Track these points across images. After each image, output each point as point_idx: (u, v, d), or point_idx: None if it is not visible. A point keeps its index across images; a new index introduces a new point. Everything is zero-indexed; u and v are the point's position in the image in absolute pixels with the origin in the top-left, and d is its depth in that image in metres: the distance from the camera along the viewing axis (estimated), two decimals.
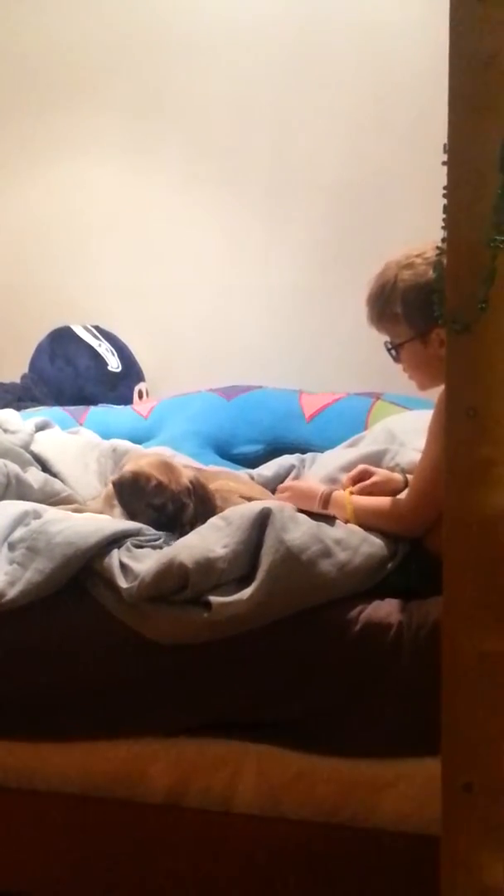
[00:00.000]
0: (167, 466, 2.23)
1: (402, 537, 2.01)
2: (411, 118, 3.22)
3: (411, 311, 1.93)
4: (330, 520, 2.01)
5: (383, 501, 2.06)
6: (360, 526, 2.01)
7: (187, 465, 2.49)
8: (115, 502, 2.26)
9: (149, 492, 2.16)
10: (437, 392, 1.94)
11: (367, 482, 2.18)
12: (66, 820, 1.98)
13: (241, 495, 2.31)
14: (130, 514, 2.17)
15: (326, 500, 2.09)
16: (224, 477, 2.46)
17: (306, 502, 2.08)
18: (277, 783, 1.89)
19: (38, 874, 1.99)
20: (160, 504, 2.15)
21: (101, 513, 2.34)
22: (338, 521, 2.02)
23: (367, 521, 2.02)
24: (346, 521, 2.04)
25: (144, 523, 2.12)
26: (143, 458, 2.30)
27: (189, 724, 1.92)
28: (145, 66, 3.54)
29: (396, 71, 3.28)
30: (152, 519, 2.14)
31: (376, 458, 2.46)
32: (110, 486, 2.38)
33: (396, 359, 2.02)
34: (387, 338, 2.03)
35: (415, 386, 2.08)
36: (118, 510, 2.26)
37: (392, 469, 2.39)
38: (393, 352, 2.01)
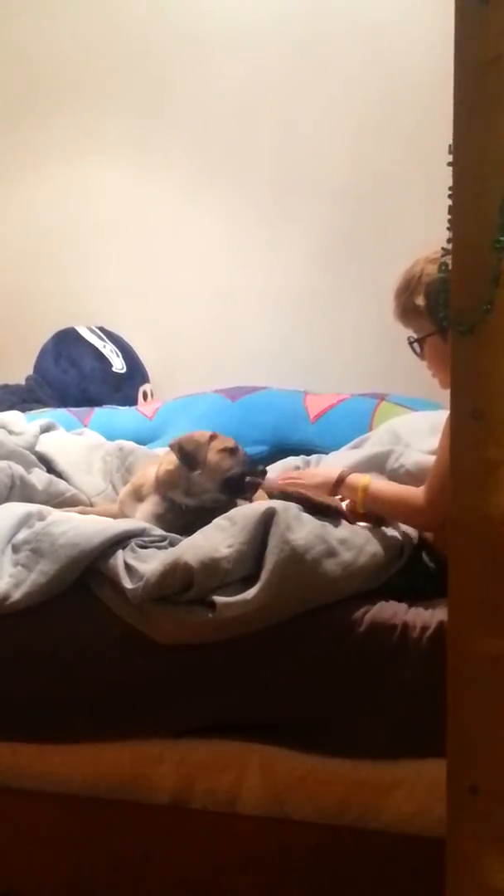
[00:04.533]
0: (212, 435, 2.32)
1: (418, 529, 2.02)
2: (415, 120, 3.22)
3: (433, 304, 1.92)
4: (332, 516, 2.01)
5: (405, 490, 2.06)
6: (368, 510, 2.02)
7: None
8: (144, 491, 2.31)
9: (205, 442, 2.23)
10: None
11: None
12: (70, 821, 1.98)
13: None
14: (192, 485, 2.23)
15: (340, 482, 2.09)
16: None
17: (318, 491, 2.09)
18: (282, 784, 1.89)
19: (43, 875, 1.99)
20: (226, 449, 2.24)
21: (119, 510, 2.36)
22: (343, 521, 2.01)
23: (380, 507, 2.02)
24: (353, 506, 2.05)
25: (212, 490, 2.20)
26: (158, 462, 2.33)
27: (194, 725, 1.92)
28: (149, 69, 3.54)
29: (400, 73, 3.28)
30: (220, 480, 2.21)
31: (381, 460, 2.46)
32: (134, 480, 2.40)
33: (420, 355, 2.02)
34: (411, 333, 2.03)
35: (425, 387, 2.07)
36: (146, 503, 2.27)
37: (396, 471, 2.39)
38: (416, 346, 2.01)
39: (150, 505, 2.27)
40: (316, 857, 1.88)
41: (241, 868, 1.90)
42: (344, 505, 2.09)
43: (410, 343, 2.01)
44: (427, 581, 1.89)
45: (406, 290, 1.98)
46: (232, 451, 2.26)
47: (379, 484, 2.09)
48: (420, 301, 1.95)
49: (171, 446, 2.27)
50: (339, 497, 2.12)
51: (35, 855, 2.00)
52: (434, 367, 2.02)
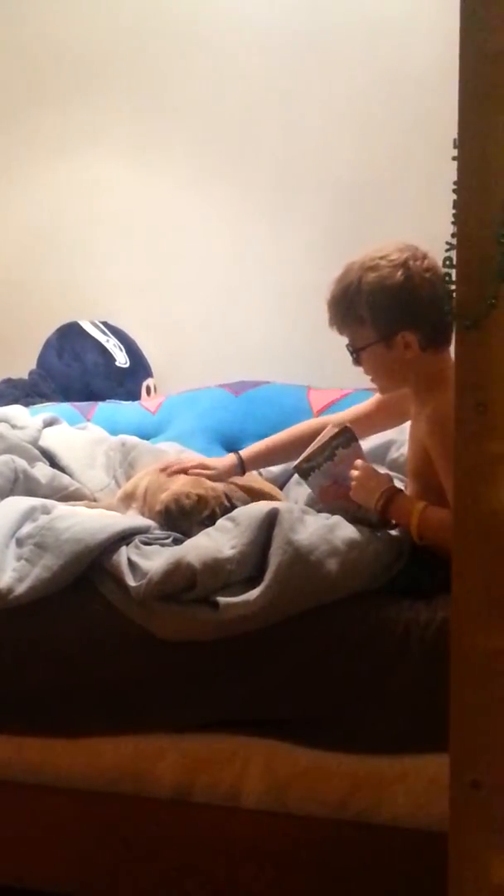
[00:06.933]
0: (195, 480, 2.23)
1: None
2: (418, 114, 3.21)
3: (377, 314, 1.92)
4: (376, 525, 1.98)
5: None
6: (424, 540, 1.91)
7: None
8: (133, 505, 2.27)
9: (193, 509, 2.15)
10: None
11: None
12: (73, 815, 1.99)
13: (251, 490, 2.31)
14: (185, 535, 2.11)
15: (388, 501, 1.95)
16: None
17: (367, 493, 1.98)
18: (285, 779, 1.89)
19: (46, 869, 2.00)
20: (209, 515, 2.13)
21: (113, 509, 2.35)
22: (343, 521, 2.00)
23: (437, 538, 1.85)
24: (404, 529, 1.97)
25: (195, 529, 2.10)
26: (165, 480, 2.28)
27: (197, 721, 1.92)
28: (152, 62, 3.53)
29: (403, 66, 3.27)
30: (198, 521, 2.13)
31: (381, 450, 2.47)
32: (127, 485, 2.38)
33: (357, 361, 2.01)
34: (347, 340, 2.02)
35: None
36: (133, 511, 2.26)
37: (396, 460, 2.38)
38: (354, 355, 2.00)
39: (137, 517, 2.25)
40: (318, 851, 1.88)
41: (243, 862, 1.91)
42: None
43: (350, 352, 2.00)
44: (430, 578, 1.88)
45: (345, 299, 1.95)
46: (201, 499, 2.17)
47: (432, 513, 1.89)
48: (363, 311, 1.93)
49: (159, 515, 2.17)
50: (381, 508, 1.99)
51: (39, 848, 2.00)
52: (373, 374, 2.01)
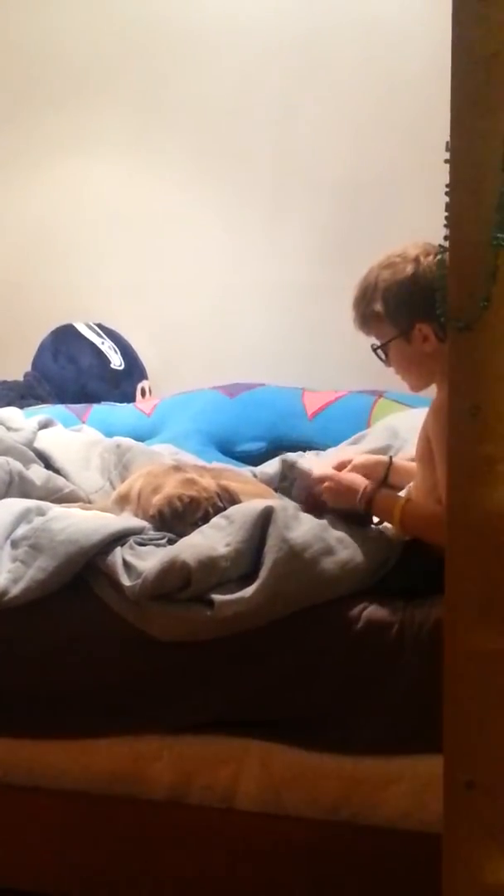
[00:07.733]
0: (188, 480, 2.23)
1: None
2: (414, 116, 3.22)
3: (391, 309, 1.93)
4: (366, 522, 1.99)
5: (439, 511, 1.96)
6: (407, 534, 1.94)
7: (193, 464, 2.50)
8: (127, 508, 2.27)
9: (186, 511, 2.15)
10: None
11: (350, 466, 2.16)
12: (68, 817, 1.99)
13: (244, 491, 2.31)
14: (179, 536, 2.10)
15: (370, 499, 2.00)
16: (227, 475, 2.46)
17: (346, 498, 2.02)
18: (280, 780, 1.89)
19: (40, 871, 1.99)
20: (202, 516, 2.13)
21: (108, 511, 2.35)
22: (337, 520, 2.00)
23: (419, 531, 1.92)
24: (388, 525, 1.99)
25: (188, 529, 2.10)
26: (157, 476, 2.28)
27: (192, 721, 1.92)
28: (149, 63, 3.54)
29: (399, 68, 3.28)
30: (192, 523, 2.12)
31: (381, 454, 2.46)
32: (122, 487, 2.38)
33: (386, 361, 2.03)
34: (374, 340, 2.03)
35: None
36: (127, 513, 2.26)
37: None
38: (381, 353, 2.01)
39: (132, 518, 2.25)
40: (313, 852, 1.88)
41: (238, 864, 1.91)
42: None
43: (374, 350, 2.01)
44: (424, 579, 1.88)
45: (364, 299, 1.98)
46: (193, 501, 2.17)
47: (412, 508, 1.95)
48: (378, 307, 1.95)
49: (152, 519, 2.16)
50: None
51: (31, 850, 2.00)
52: (401, 371, 2.02)
